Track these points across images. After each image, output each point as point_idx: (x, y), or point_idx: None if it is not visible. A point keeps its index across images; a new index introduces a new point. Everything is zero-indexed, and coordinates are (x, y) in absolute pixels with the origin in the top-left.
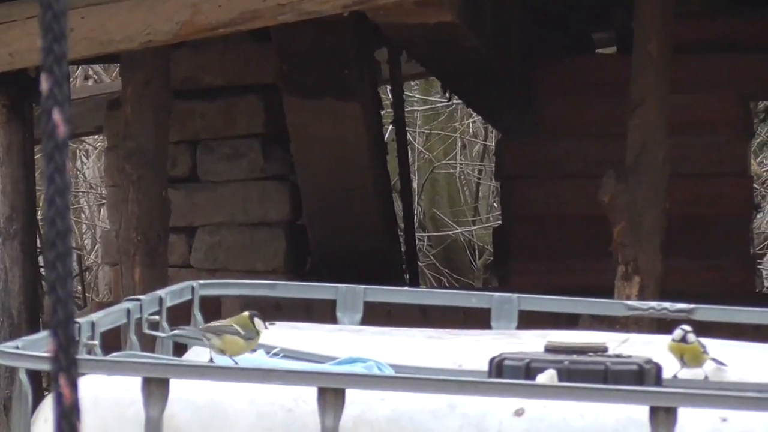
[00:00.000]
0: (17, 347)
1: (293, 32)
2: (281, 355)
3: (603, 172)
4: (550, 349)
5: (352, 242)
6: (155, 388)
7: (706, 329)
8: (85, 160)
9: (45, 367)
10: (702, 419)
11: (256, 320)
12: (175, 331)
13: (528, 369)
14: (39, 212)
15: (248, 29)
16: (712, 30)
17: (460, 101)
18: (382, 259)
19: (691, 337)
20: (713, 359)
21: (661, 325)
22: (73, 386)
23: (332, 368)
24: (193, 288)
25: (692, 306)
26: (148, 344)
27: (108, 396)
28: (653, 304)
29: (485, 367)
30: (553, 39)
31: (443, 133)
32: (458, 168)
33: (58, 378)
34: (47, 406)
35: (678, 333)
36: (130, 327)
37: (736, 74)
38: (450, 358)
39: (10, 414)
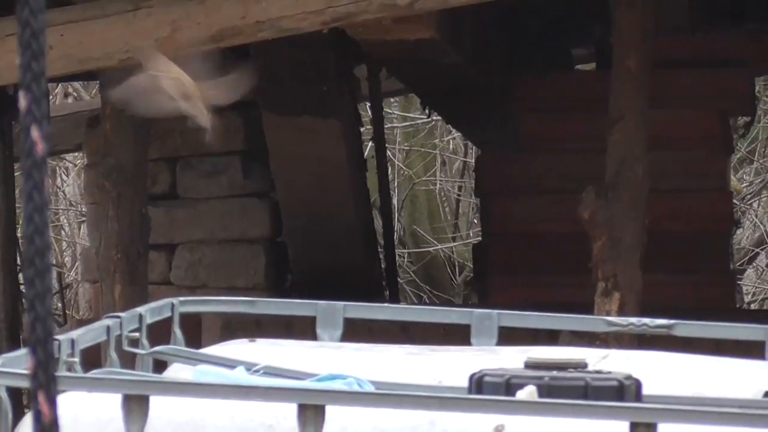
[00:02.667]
0: None
1: (272, 49)
2: (261, 372)
3: (582, 187)
4: (531, 365)
5: (332, 259)
6: (135, 405)
7: (686, 345)
8: (65, 177)
9: (24, 384)
10: None
11: None
12: (155, 349)
13: (508, 385)
14: (18, 229)
15: (227, 46)
16: (692, 45)
17: (439, 118)
18: (363, 276)
19: None
20: None
21: (642, 340)
22: (52, 403)
23: (312, 385)
24: (173, 305)
25: (672, 322)
26: (129, 361)
27: (87, 413)
28: (633, 319)
29: (465, 383)
30: (532, 55)
31: (423, 149)
32: (438, 184)
33: (37, 395)
34: (27, 423)
35: None
36: (110, 344)
37: (716, 89)
38: (430, 375)
39: None
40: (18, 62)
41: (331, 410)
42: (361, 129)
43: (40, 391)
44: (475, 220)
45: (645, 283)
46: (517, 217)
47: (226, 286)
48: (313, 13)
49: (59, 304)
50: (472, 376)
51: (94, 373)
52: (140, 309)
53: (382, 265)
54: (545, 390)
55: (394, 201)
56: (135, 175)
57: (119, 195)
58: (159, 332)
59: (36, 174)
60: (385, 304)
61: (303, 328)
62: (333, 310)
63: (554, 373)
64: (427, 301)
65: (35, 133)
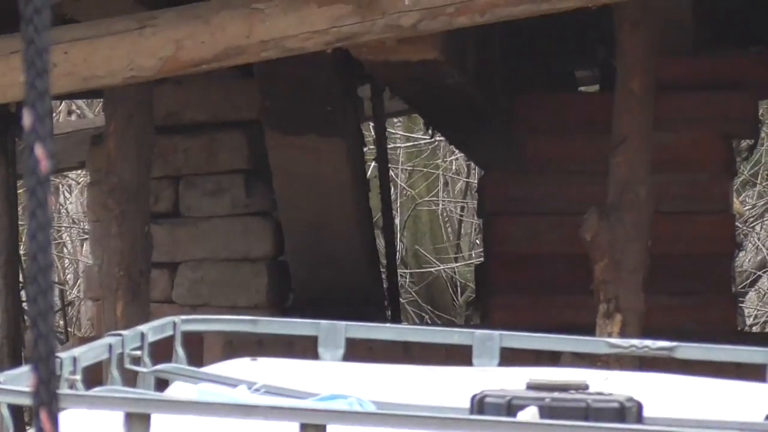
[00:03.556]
0: None
1: (276, 69)
2: (263, 390)
3: (585, 209)
4: (532, 386)
5: (334, 278)
6: (137, 424)
7: (687, 367)
8: (68, 195)
9: (26, 401)
10: None
11: None
12: (157, 367)
13: (509, 406)
14: (21, 247)
15: (231, 65)
16: (695, 68)
17: (443, 138)
18: (364, 296)
19: None
20: None
21: (643, 362)
22: (54, 421)
23: (314, 404)
24: (174, 323)
25: (674, 344)
26: (130, 379)
27: (89, 431)
28: (635, 341)
29: (467, 404)
30: (535, 76)
31: (426, 170)
32: (441, 205)
33: (40, 413)
34: None
35: None
36: (111, 362)
37: (719, 112)
38: (431, 395)
39: None
40: (22, 80)
41: (332, 430)
42: (365, 149)
43: (42, 409)
44: (478, 241)
45: (647, 305)
46: (520, 238)
47: (228, 304)
48: (318, 33)
49: (61, 322)
50: (473, 397)
51: (95, 391)
52: (142, 327)
53: (384, 285)
54: (546, 411)
55: (397, 221)
56: (138, 193)
57: (122, 213)
58: (161, 350)
59: (40, 191)
60: (387, 324)
61: (305, 348)
62: (335, 330)
63: (556, 394)
64: (429, 322)
65: (39, 150)
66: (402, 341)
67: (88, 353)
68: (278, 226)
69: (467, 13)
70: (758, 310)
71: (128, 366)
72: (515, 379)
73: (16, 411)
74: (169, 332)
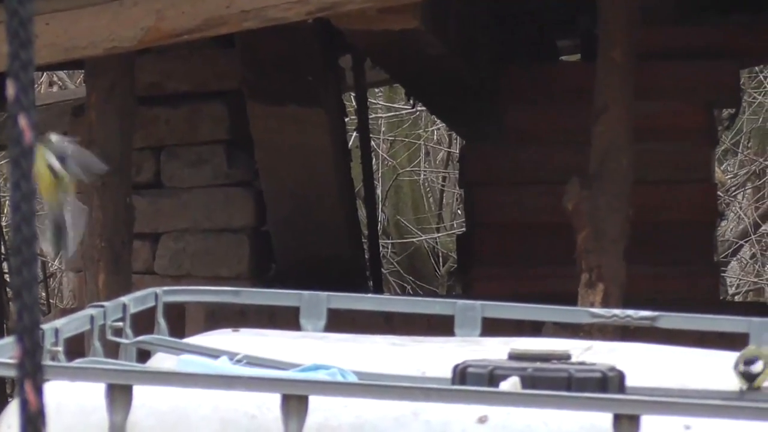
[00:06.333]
0: None
1: (257, 39)
2: (245, 362)
3: (567, 178)
4: (514, 356)
5: (316, 249)
6: (119, 395)
7: (670, 337)
8: None
9: (10, 373)
10: (665, 427)
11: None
12: (139, 338)
13: (491, 376)
14: (4, 219)
15: (213, 36)
16: (677, 37)
17: (424, 108)
18: (346, 266)
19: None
20: None
21: (625, 332)
22: (39, 392)
23: (296, 375)
24: (156, 294)
25: (656, 313)
26: (112, 351)
27: (71, 402)
28: (617, 311)
29: (449, 374)
30: (518, 46)
31: (407, 140)
32: (422, 175)
33: (24, 384)
34: (11, 412)
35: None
36: (93, 333)
37: (701, 81)
38: (413, 365)
39: None
40: (6, 51)
41: (314, 400)
42: (346, 119)
43: (26, 380)
44: (459, 211)
45: (629, 275)
46: (501, 207)
47: (210, 275)
48: (299, 3)
49: (43, 294)
50: (455, 367)
51: (77, 363)
52: (124, 298)
53: (366, 256)
54: (528, 381)
55: (378, 191)
56: (120, 164)
57: (104, 184)
58: (143, 322)
59: (23, 163)
60: (369, 295)
61: (287, 319)
62: (317, 301)
63: (538, 364)
64: (411, 292)
65: (23, 121)
66: (384, 311)
67: (69, 325)
68: (260, 197)
69: None
70: (740, 280)
71: (110, 337)
72: (497, 349)
73: None
74: (151, 303)
